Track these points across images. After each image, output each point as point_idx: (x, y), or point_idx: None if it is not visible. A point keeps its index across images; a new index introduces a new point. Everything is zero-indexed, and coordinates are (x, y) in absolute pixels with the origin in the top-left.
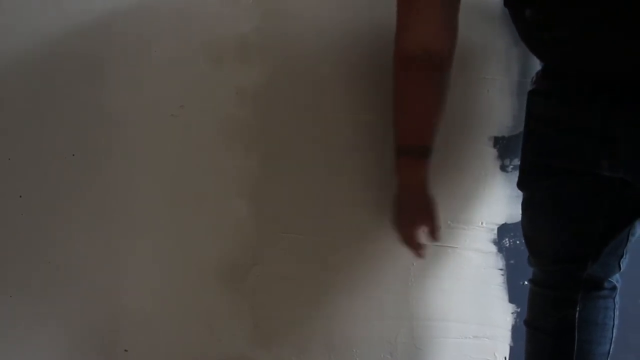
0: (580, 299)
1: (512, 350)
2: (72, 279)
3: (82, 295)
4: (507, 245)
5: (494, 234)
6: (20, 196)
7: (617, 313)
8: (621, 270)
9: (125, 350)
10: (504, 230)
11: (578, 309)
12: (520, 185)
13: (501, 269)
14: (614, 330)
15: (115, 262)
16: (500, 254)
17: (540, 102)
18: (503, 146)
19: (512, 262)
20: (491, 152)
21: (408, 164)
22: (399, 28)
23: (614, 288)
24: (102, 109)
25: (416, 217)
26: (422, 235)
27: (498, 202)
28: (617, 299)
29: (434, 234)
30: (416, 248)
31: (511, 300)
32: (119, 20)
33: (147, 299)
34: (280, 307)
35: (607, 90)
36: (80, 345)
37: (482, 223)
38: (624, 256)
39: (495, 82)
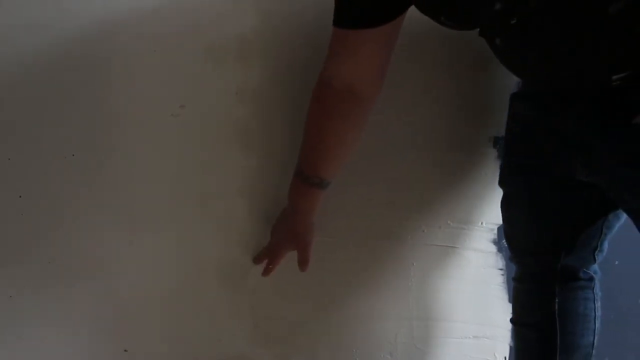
0: (559, 291)
1: (512, 350)
2: (72, 279)
3: (82, 295)
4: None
5: (493, 234)
6: (20, 196)
7: (598, 304)
8: (596, 262)
9: (125, 350)
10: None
11: (557, 300)
12: (500, 182)
13: (501, 269)
14: (597, 322)
15: (115, 262)
16: (500, 254)
17: (521, 106)
18: (503, 146)
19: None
20: (491, 152)
21: (301, 189)
22: (328, 58)
23: (591, 279)
24: (102, 108)
25: (288, 241)
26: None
27: (497, 202)
28: (596, 290)
29: (301, 264)
30: (267, 263)
31: (511, 300)
32: (119, 20)
33: (147, 299)
34: (280, 307)
35: (580, 102)
36: (80, 345)
37: (482, 223)
38: (599, 248)
39: (495, 82)
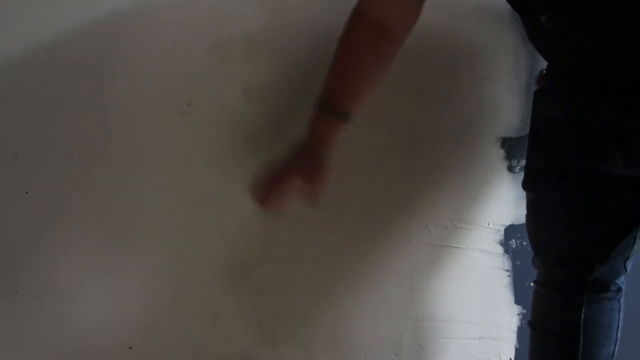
0: (587, 301)
1: (518, 351)
2: (77, 276)
3: (87, 292)
4: (514, 246)
5: (500, 235)
6: (27, 192)
7: (622, 315)
8: (627, 272)
9: (130, 348)
10: (510, 231)
11: (584, 310)
12: (526, 186)
13: (507, 270)
14: (619, 332)
15: (121, 259)
16: (507, 255)
17: (549, 102)
18: (510, 147)
19: (518, 263)
20: (498, 153)
21: (327, 122)
22: None
23: (619, 290)
24: (109, 105)
25: (301, 165)
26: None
27: (505, 203)
28: (622, 300)
29: (312, 196)
30: (268, 188)
31: (517, 301)
32: (126, 17)
33: (152, 297)
34: (285, 306)
35: (621, 87)
36: (85, 342)
37: (488, 224)
38: (630, 258)
39: (503, 82)
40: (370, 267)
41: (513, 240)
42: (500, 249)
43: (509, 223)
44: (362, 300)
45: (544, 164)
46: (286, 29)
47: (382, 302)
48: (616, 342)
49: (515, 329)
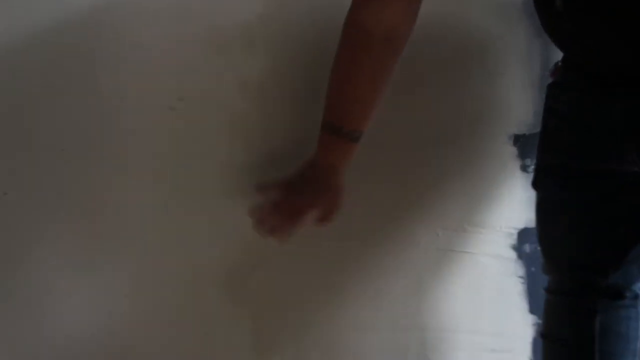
0: (600, 308)
1: None
2: (63, 284)
3: (74, 301)
4: (528, 251)
5: (513, 239)
6: (6, 193)
7: None
8: None
9: (121, 356)
10: (524, 235)
11: (598, 319)
12: (536, 185)
13: (521, 277)
14: (638, 343)
15: (107, 265)
16: (521, 261)
17: (563, 96)
18: (523, 144)
19: (533, 269)
20: (511, 151)
21: (340, 147)
22: (361, 4)
23: (636, 297)
24: (94, 100)
25: (319, 200)
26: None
27: (518, 204)
28: (639, 308)
29: (323, 220)
30: (286, 220)
31: (532, 310)
32: (115, 7)
33: (143, 304)
34: (282, 315)
35: (632, 83)
36: (74, 353)
37: (500, 227)
38: None
39: (516, 76)
40: (374, 274)
41: (527, 245)
42: (513, 254)
43: (522, 226)
44: (365, 309)
45: (554, 161)
46: (283, 21)
47: (387, 311)
48: (635, 353)
49: (530, 340)
